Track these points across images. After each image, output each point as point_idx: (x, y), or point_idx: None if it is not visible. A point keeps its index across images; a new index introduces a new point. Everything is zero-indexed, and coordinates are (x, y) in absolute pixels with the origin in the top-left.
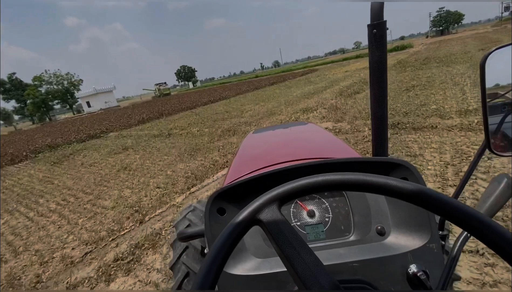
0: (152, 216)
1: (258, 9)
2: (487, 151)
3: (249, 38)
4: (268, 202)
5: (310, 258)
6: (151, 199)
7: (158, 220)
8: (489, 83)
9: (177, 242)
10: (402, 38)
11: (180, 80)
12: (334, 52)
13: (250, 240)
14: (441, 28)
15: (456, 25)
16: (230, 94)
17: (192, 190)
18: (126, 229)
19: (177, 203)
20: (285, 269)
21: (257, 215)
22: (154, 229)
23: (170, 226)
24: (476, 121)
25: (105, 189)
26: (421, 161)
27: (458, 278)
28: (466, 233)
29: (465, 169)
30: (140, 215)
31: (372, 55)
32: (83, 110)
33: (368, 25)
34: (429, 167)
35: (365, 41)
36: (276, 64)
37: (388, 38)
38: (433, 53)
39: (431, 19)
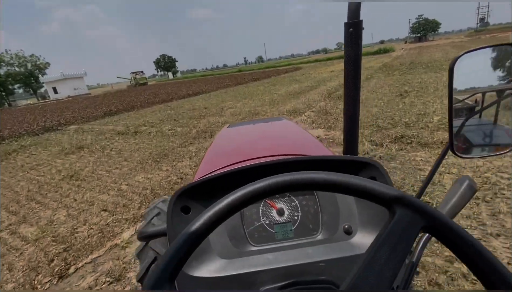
0: (81, 264)
1: (245, 2)
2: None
3: (234, 31)
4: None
5: None
6: (91, 229)
7: (90, 272)
8: (459, 86)
9: (144, 252)
10: (382, 42)
11: (159, 70)
12: (317, 52)
13: (215, 239)
14: (419, 34)
15: (433, 32)
16: (211, 88)
17: None
18: (38, 288)
19: (121, 241)
20: (252, 270)
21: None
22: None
23: (104, 283)
24: None
25: (36, 207)
26: (444, 193)
27: (416, 273)
28: (427, 235)
29: (501, 206)
30: (64, 264)
31: (348, 54)
32: (49, 97)
33: (345, 24)
34: None
35: None
36: (260, 59)
37: (369, 41)
38: (416, 58)
39: (410, 25)
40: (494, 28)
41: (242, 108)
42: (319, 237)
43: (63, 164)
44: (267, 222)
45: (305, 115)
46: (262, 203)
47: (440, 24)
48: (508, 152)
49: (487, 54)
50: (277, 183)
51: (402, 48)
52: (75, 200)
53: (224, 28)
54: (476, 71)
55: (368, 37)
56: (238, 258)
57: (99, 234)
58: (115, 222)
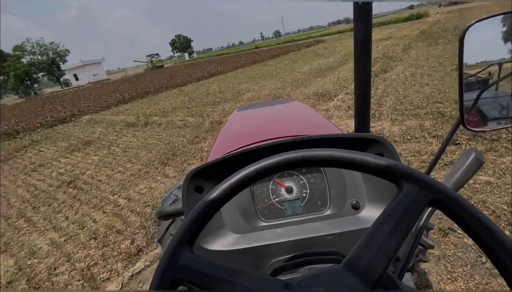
0: None
1: None
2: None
3: (249, 6)
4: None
5: (246, 279)
6: (72, 271)
7: None
8: (468, 59)
9: (164, 237)
10: (411, 7)
11: (175, 51)
12: (339, 22)
13: (228, 216)
14: None
15: None
16: (227, 68)
17: (147, 259)
18: None
19: None
20: (263, 243)
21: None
22: None
23: None
24: None
25: (24, 228)
26: None
27: (431, 247)
28: (430, 208)
29: None
30: None
31: (357, 30)
32: (71, 84)
33: None
34: None
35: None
36: (278, 34)
37: (397, 7)
38: (460, 23)
39: None
40: None
41: (260, 92)
42: (327, 212)
43: (66, 165)
44: (277, 199)
45: (338, 100)
46: (271, 182)
47: None
48: None
49: (500, 22)
50: (287, 159)
51: (438, 12)
52: (67, 218)
53: (238, 3)
54: (489, 41)
55: (395, 3)
56: (250, 232)
57: (79, 282)
58: (102, 260)
